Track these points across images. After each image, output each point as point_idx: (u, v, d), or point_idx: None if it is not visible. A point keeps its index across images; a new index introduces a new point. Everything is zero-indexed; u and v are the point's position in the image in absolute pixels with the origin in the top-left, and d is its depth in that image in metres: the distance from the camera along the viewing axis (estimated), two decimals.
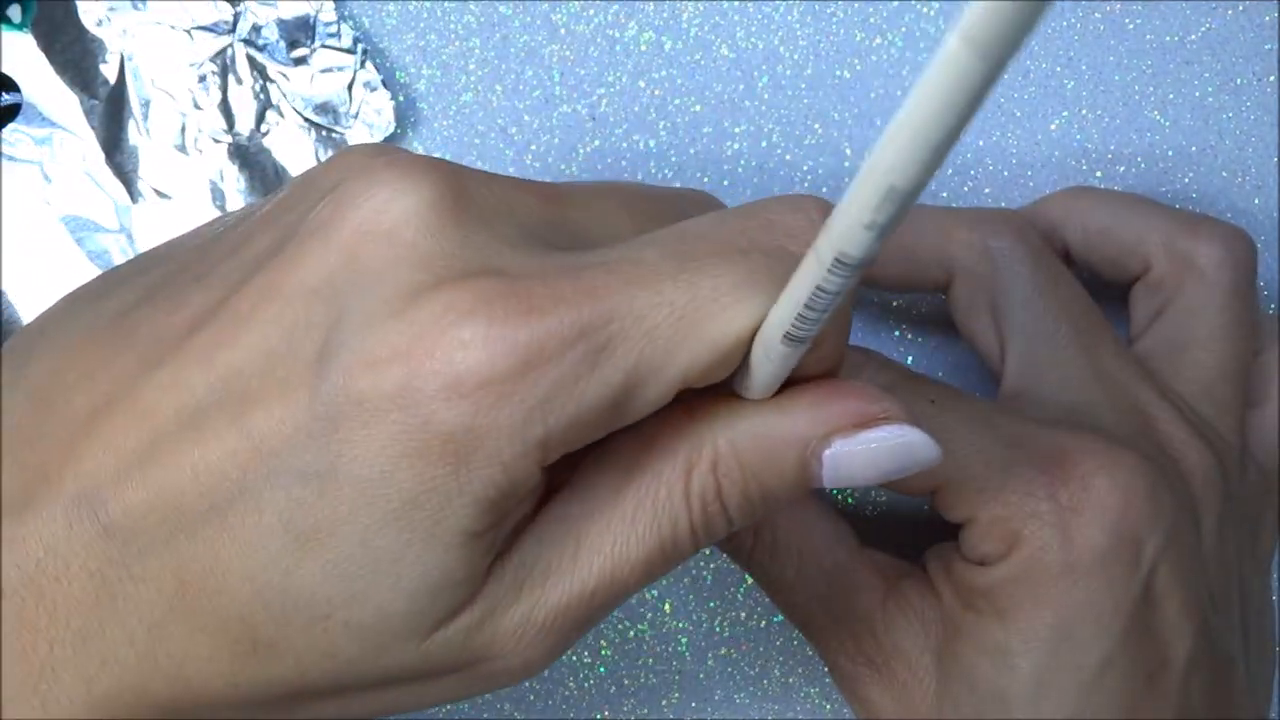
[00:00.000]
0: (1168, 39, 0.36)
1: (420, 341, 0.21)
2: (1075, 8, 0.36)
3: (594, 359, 0.21)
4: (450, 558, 0.21)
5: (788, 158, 0.36)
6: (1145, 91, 0.36)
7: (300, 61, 0.34)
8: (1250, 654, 0.31)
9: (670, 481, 0.23)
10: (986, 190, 0.36)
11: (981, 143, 0.36)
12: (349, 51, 0.34)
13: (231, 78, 0.34)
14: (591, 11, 0.35)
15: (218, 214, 0.34)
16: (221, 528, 0.21)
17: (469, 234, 0.22)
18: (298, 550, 0.21)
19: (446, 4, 0.35)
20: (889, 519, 0.35)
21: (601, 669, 0.35)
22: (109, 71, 0.34)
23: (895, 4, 0.36)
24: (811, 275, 0.20)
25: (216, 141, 0.34)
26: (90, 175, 0.34)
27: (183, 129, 0.34)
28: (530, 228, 0.23)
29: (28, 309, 0.34)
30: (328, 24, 0.34)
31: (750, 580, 0.35)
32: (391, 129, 0.34)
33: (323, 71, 0.34)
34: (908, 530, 0.35)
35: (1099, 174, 0.36)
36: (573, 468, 0.23)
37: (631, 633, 0.35)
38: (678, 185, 0.35)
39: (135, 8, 0.34)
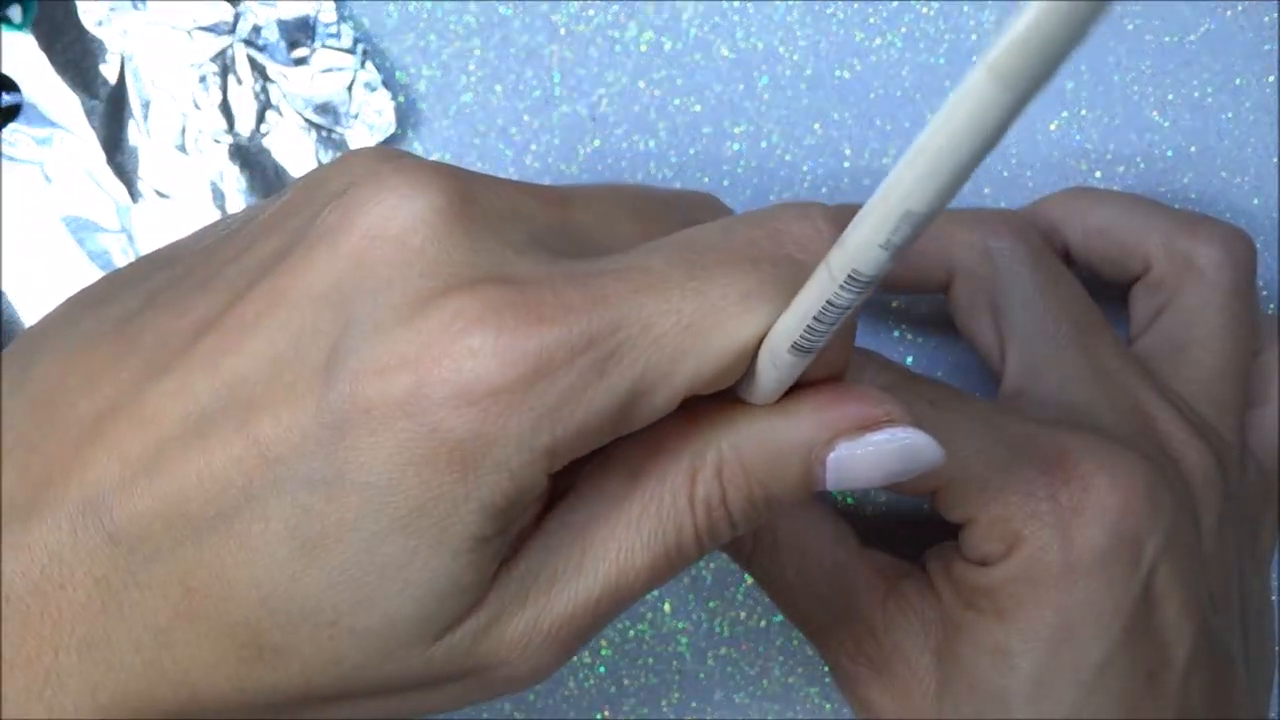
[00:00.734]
0: (1167, 39, 0.36)
1: (429, 349, 0.21)
2: None
3: (602, 367, 0.21)
4: (457, 564, 0.22)
5: (788, 158, 0.36)
6: (1145, 91, 0.36)
7: (300, 62, 0.34)
8: (1250, 654, 0.31)
9: (675, 487, 0.23)
10: (986, 190, 0.36)
11: None
12: (349, 52, 0.34)
13: (232, 78, 0.34)
14: (591, 11, 0.35)
15: (218, 214, 0.34)
16: (228, 535, 0.21)
17: (476, 240, 0.22)
18: (305, 557, 0.21)
19: (446, 4, 0.35)
20: (889, 519, 0.35)
21: (601, 669, 0.35)
22: (109, 71, 0.34)
23: (895, 4, 0.36)
24: (823, 289, 0.20)
25: (217, 142, 0.34)
26: (90, 175, 0.34)
27: (183, 129, 0.34)
28: (536, 233, 0.23)
29: (28, 309, 0.34)
30: (328, 24, 0.34)
31: (750, 580, 0.35)
32: (392, 129, 0.34)
33: (323, 72, 0.34)
34: (908, 530, 0.35)
35: (1099, 174, 0.36)
36: (575, 472, 0.23)
37: (631, 633, 0.35)
38: (678, 185, 0.35)
39: (135, 8, 0.34)
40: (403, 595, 0.22)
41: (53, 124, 0.34)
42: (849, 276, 0.19)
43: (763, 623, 0.35)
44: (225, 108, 0.34)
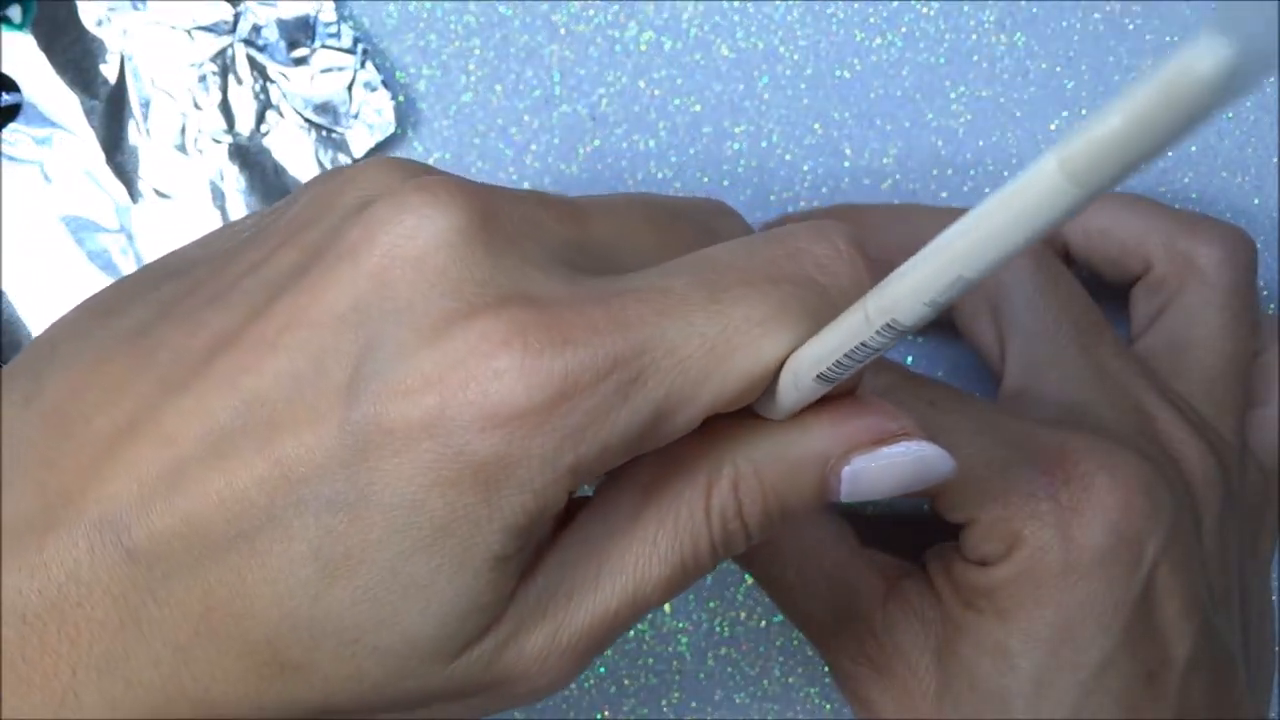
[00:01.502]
0: (1168, 39, 0.36)
1: (454, 371, 0.21)
2: (1075, 8, 0.36)
3: (626, 390, 0.21)
4: (478, 583, 0.22)
5: (788, 158, 0.36)
6: None
7: (300, 61, 0.34)
8: (1250, 654, 0.31)
9: (691, 501, 0.23)
10: (986, 190, 0.36)
11: (981, 143, 0.36)
12: (349, 51, 0.34)
13: (231, 78, 0.34)
14: (591, 11, 0.35)
15: (218, 214, 0.34)
16: (249, 554, 0.21)
17: (499, 259, 0.22)
18: (327, 577, 0.21)
19: (446, 4, 0.35)
20: (889, 519, 0.35)
21: (601, 669, 0.35)
22: (109, 71, 0.34)
23: (895, 4, 0.36)
24: (858, 331, 0.20)
25: (216, 141, 0.34)
26: (90, 175, 0.34)
27: (183, 129, 0.34)
28: (556, 249, 0.23)
29: (28, 309, 0.34)
30: (328, 24, 0.34)
31: (750, 580, 0.35)
32: (391, 129, 0.34)
33: (323, 71, 0.34)
34: (908, 530, 0.35)
35: None
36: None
37: (631, 633, 0.35)
38: (678, 185, 0.35)
39: (135, 8, 0.34)
40: (424, 614, 0.22)
41: (53, 124, 0.34)
42: (887, 324, 0.19)
43: (763, 623, 0.35)
44: (225, 107, 0.34)
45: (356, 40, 0.34)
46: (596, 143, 0.35)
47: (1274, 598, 0.34)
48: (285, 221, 0.24)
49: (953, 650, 0.29)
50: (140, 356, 0.23)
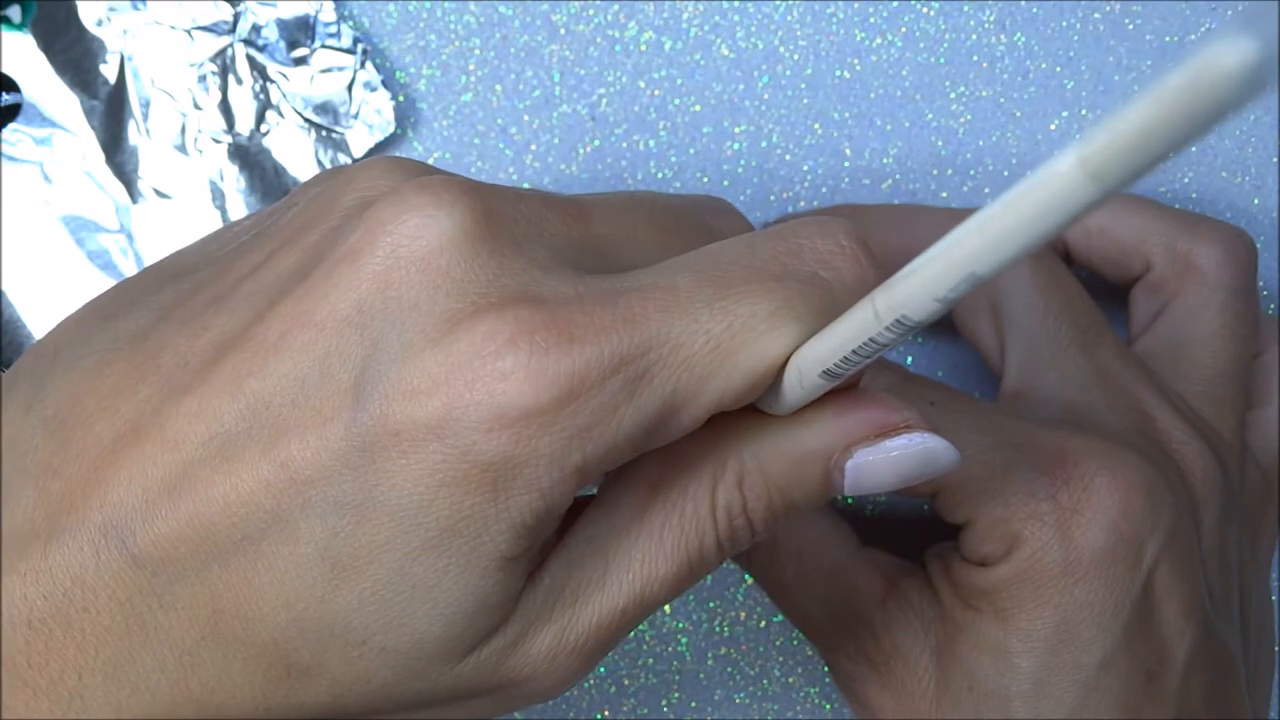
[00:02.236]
0: (1168, 39, 0.36)
1: (460, 372, 0.21)
2: (1075, 8, 0.36)
3: (632, 388, 0.21)
4: (486, 583, 0.22)
5: (788, 158, 0.36)
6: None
7: (300, 61, 0.34)
8: (1250, 654, 0.31)
9: (696, 498, 0.23)
10: (986, 190, 0.36)
11: (981, 143, 0.36)
12: (349, 51, 0.34)
13: (231, 78, 0.34)
14: (591, 11, 0.35)
15: (218, 214, 0.34)
16: (255, 557, 0.21)
17: (502, 259, 0.22)
18: (334, 579, 0.21)
19: (446, 4, 0.35)
20: (889, 519, 0.35)
21: (601, 669, 0.35)
22: (109, 71, 0.34)
23: (895, 4, 0.36)
24: (866, 327, 0.20)
25: (216, 141, 0.34)
26: (90, 175, 0.34)
27: (183, 129, 0.34)
28: (559, 248, 0.23)
29: (28, 309, 0.34)
30: (328, 24, 0.34)
31: (750, 580, 0.35)
32: (391, 129, 0.34)
33: (323, 71, 0.34)
34: (908, 530, 0.35)
35: None
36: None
37: (631, 633, 0.35)
38: (678, 185, 0.35)
39: (135, 8, 0.34)
40: (432, 615, 0.22)
41: (53, 124, 0.34)
42: (896, 320, 0.19)
43: (763, 623, 0.35)
44: (225, 107, 0.34)
45: (356, 40, 0.34)
46: (596, 143, 0.35)
47: (1274, 598, 0.34)
48: (286, 222, 0.24)
49: (952, 650, 0.29)
50: (142, 361, 0.23)
